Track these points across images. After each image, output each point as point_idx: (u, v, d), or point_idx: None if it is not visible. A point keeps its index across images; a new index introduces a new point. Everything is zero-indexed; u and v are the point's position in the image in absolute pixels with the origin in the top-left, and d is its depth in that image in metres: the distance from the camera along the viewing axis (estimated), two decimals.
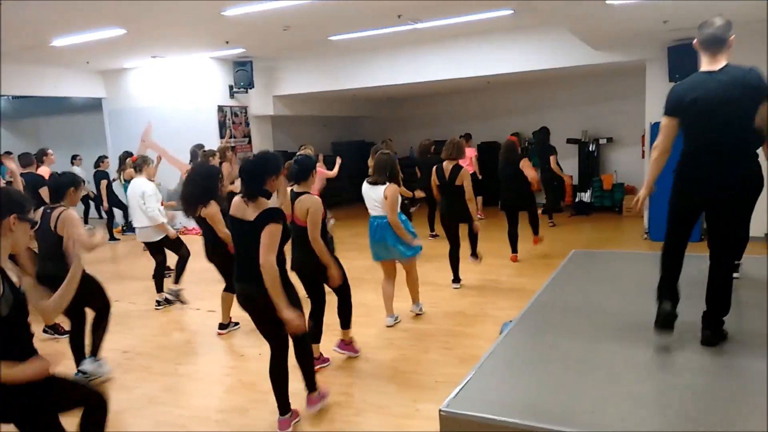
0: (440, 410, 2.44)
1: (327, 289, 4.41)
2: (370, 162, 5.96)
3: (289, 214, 4.08)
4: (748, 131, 2.94)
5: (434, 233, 9.29)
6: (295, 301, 3.38)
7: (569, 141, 11.95)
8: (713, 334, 3.10)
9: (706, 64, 3.07)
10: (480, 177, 10.71)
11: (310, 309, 4.37)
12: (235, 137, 11.04)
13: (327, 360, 4.58)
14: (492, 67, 9.57)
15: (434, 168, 6.41)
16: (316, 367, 4.08)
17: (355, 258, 7.16)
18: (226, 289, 5.30)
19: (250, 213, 3.33)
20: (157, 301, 6.44)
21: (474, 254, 6.80)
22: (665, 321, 3.09)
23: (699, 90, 2.98)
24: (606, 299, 4.39)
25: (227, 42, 8.95)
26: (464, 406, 2.48)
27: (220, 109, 10.84)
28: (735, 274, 3.73)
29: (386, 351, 4.85)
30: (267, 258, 3.21)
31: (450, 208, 6.34)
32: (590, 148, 11.90)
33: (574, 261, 5.76)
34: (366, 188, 5.17)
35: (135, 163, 6.85)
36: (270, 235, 3.23)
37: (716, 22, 3.05)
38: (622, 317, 3.88)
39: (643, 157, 10.07)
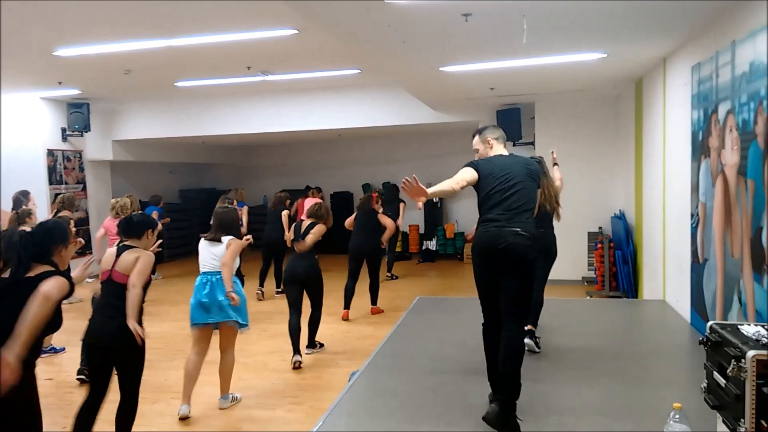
0: None
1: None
2: None
3: (106, 269, 3.58)
4: (528, 208, 3.31)
5: (280, 290, 8.92)
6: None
7: None
8: (497, 413, 2.99)
9: (496, 152, 3.54)
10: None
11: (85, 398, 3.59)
12: (67, 183, 10.17)
13: None
14: (341, 121, 9.93)
15: (293, 226, 6.25)
16: None
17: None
18: None
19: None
20: None
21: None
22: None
23: (502, 164, 3.38)
24: (446, 345, 4.66)
25: (60, 82, 8.34)
26: None
27: (51, 152, 9.96)
28: (528, 340, 4.04)
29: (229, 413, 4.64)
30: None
31: (302, 265, 5.86)
32: (434, 200, 12.66)
33: (418, 307, 6.06)
34: (202, 245, 4.76)
35: None
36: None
37: (494, 127, 3.68)
38: (458, 363, 4.14)
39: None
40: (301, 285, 5.76)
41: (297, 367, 5.50)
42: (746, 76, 3.75)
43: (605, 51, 5.72)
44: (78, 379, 5.23)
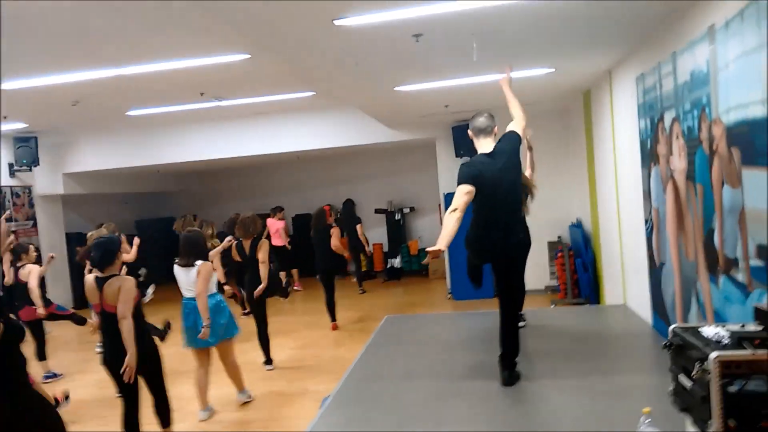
0: None
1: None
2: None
3: (96, 303, 3.82)
4: (519, 205, 3.84)
5: (246, 311, 8.98)
6: None
7: (377, 211, 12.65)
8: (510, 376, 3.77)
9: (481, 147, 3.85)
10: (289, 248, 10.82)
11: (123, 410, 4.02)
12: (17, 220, 9.79)
13: None
14: (298, 144, 9.91)
15: (234, 245, 6.31)
16: None
17: (164, 346, 6.64)
18: None
19: None
20: None
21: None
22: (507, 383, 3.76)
23: (485, 172, 3.68)
24: (417, 362, 4.64)
25: (5, 117, 8.06)
26: None
27: None
28: (521, 323, 4.36)
29: None
30: None
31: (254, 284, 6.11)
32: (396, 217, 12.70)
33: (387, 326, 6.03)
34: (177, 271, 4.93)
35: None
36: None
37: (482, 116, 3.88)
38: (430, 380, 4.13)
39: (441, 223, 11.03)
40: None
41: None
42: (688, 85, 3.91)
43: (552, 66, 5.88)
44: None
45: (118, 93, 6.90)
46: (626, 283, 6.07)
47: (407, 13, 3.79)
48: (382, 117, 8.88)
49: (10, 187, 9.85)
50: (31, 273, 6.21)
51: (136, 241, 7.25)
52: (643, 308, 5.36)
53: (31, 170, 9.90)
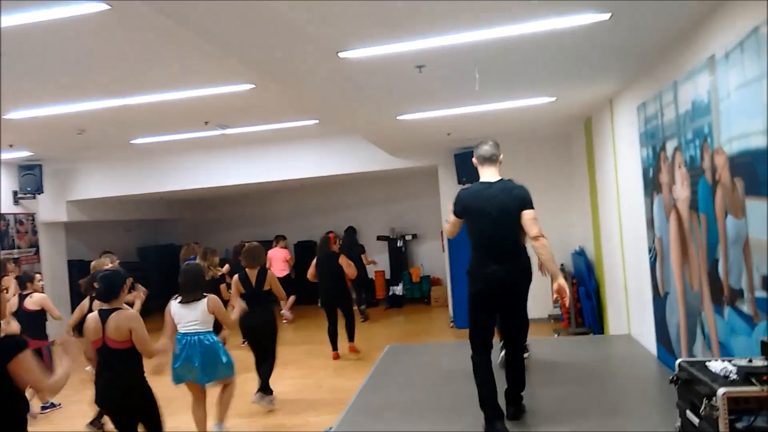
0: None
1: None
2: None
3: (97, 338, 3.64)
4: (517, 234, 3.66)
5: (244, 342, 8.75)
6: None
7: (379, 238, 12.62)
8: (516, 411, 3.72)
9: (484, 175, 3.79)
10: (293, 277, 10.74)
11: None
12: (19, 248, 9.79)
13: None
14: (301, 171, 9.93)
15: (236, 276, 6.15)
16: None
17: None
18: None
19: None
20: None
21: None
22: None
23: (481, 200, 3.64)
24: (419, 394, 4.57)
25: (11, 145, 8.13)
26: None
27: (2, 216, 9.61)
28: (525, 354, 4.25)
29: None
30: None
31: (256, 315, 5.78)
32: (398, 244, 12.67)
33: (389, 356, 5.96)
34: (177, 308, 4.68)
35: None
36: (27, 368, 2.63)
37: (488, 144, 3.80)
38: (434, 412, 4.06)
39: (444, 251, 10.98)
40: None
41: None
42: (689, 114, 3.93)
43: (553, 95, 5.93)
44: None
45: (123, 122, 6.97)
46: (630, 312, 6.01)
47: (410, 45, 3.84)
48: (385, 144, 8.93)
49: (14, 214, 9.88)
50: (44, 299, 6.24)
51: (141, 296, 6.35)
52: (648, 339, 5.30)
53: (35, 198, 9.94)
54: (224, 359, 4.74)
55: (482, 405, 3.52)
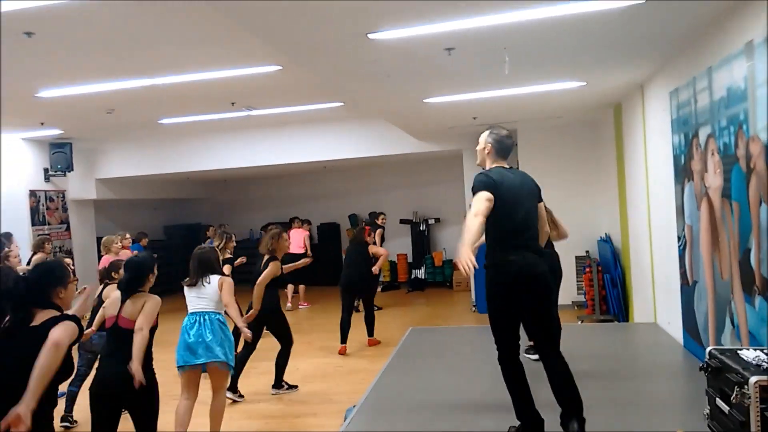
0: None
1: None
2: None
3: (112, 315, 3.56)
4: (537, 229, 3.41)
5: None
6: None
7: (402, 221, 12.64)
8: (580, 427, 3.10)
9: (496, 164, 3.44)
10: (311, 255, 10.52)
11: None
12: (50, 224, 10.03)
13: None
14: (326, 153, 9.97)
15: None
16: None
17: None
18: None
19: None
20: None
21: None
22: None
23: (513, 186, 3.31)
24: (440, 377, 4.60)
25: (42, 123, 8.29)
26: None
27: (33, 193, 9.84)
28: (533, 357, 4.02)
29: None
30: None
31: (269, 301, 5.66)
32: (421, 228, 12.69)
33: (411, 339, 6.01)
34: (188, 291, 4.63)
35: None
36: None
37: (510, 138, 3.51)
38: (455, 395, 4.08)
39: None
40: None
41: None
42: (724, 101, 3.85)
43: (583, 80, 5.84)
44: (62, 426, 5.08)
45: (151, 102, 7.05)
46: (657, 300, 5.96)
47: (440, 27, 3.81)
48: (410, 128, 8.90)
49: (45, 191, 10.10)
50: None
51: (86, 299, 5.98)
52: (674, 327, 5.25)
53: (65, 175, 10.14)
54: (231, 339, 4.62)
55: (518, 416, 3.27)
